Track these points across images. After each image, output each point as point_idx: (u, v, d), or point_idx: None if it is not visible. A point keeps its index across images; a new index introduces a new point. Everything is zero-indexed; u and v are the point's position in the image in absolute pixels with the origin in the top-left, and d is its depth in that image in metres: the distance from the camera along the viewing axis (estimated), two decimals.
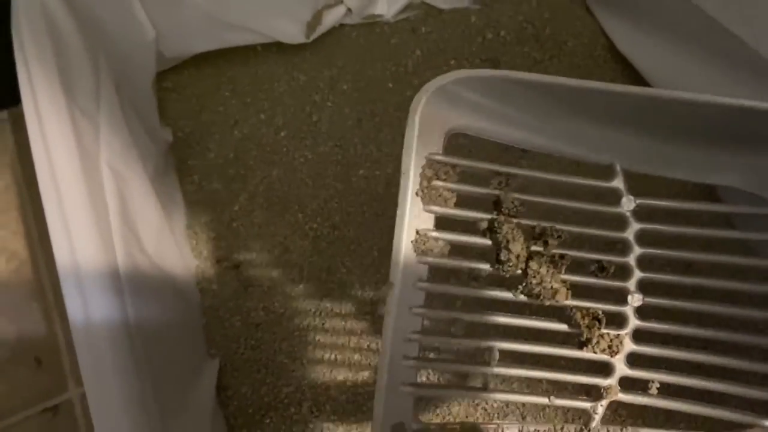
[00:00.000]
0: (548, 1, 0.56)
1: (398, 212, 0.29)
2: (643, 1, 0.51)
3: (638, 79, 0.52)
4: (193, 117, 0.56)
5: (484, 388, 0.31)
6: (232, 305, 0.46)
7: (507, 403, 0.42)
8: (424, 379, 0.41)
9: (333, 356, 0.44)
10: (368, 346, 0.44)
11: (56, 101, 0.39)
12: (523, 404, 0.42)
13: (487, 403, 0.42)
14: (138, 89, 0.51)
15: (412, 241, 0.30)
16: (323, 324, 0.45)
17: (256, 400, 0.42)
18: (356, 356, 0.44)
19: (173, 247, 0.45)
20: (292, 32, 0.54)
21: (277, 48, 0.57)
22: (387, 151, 0.53)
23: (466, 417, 0.42)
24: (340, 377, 0.43)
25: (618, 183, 0.33)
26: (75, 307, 0.33)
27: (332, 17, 0.54)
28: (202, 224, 0.51)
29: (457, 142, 0.33)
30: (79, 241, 0.35)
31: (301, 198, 0.51)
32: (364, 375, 0.43)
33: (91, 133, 0.41)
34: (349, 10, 0.54)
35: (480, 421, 0.42)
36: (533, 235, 0.32)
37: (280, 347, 0.44)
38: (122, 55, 0.49)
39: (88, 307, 0.33)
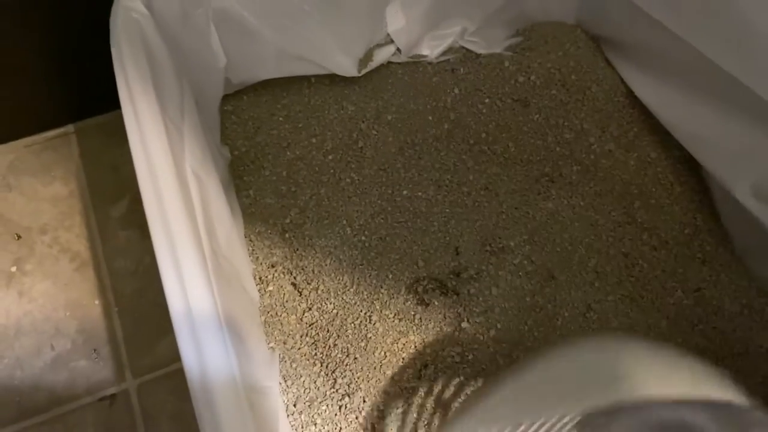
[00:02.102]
0: (574, 52, 0.63)
1: None
2: (654, 56, 0.58)
3: (653, 120, 0.58)
4: (249, 138, 0.62)
5: None
6: (288, 306, 0.50)
7: None
8: None
9: (383, 353, 0.48)
10: (414, 346, 0.48)
11: (152, 111, 0.44)
12: None
13: None
14: (207, 109, 0.57)
15: None
16: (374, 324, 0.49)
17: (313, 390, 0.46)
18: (403, 354, 0.48)
19: (239, 248, 0.50)
20: (346, 66, 0.60)
21: (329, 80, 0.63)
22: (427, 176, 0.58)
23: None
24: (389, 372, 0.47)
25: None
26: (171, 281, 0.37)
27: (382, 55, 0.61)
28: (257, 233, 0.56)
29: None
30: (177, 231, 0.39)
31: (349, 213, 0.56)
32: (410, 372, 0.47)
33: (178, 140, 0.46)
34: (398, 49, 0.61)
35: None
36: None
37: (335, 343, 0.48)
38: (198, 78, 0.54)
39: (185, 284, 0.37)
